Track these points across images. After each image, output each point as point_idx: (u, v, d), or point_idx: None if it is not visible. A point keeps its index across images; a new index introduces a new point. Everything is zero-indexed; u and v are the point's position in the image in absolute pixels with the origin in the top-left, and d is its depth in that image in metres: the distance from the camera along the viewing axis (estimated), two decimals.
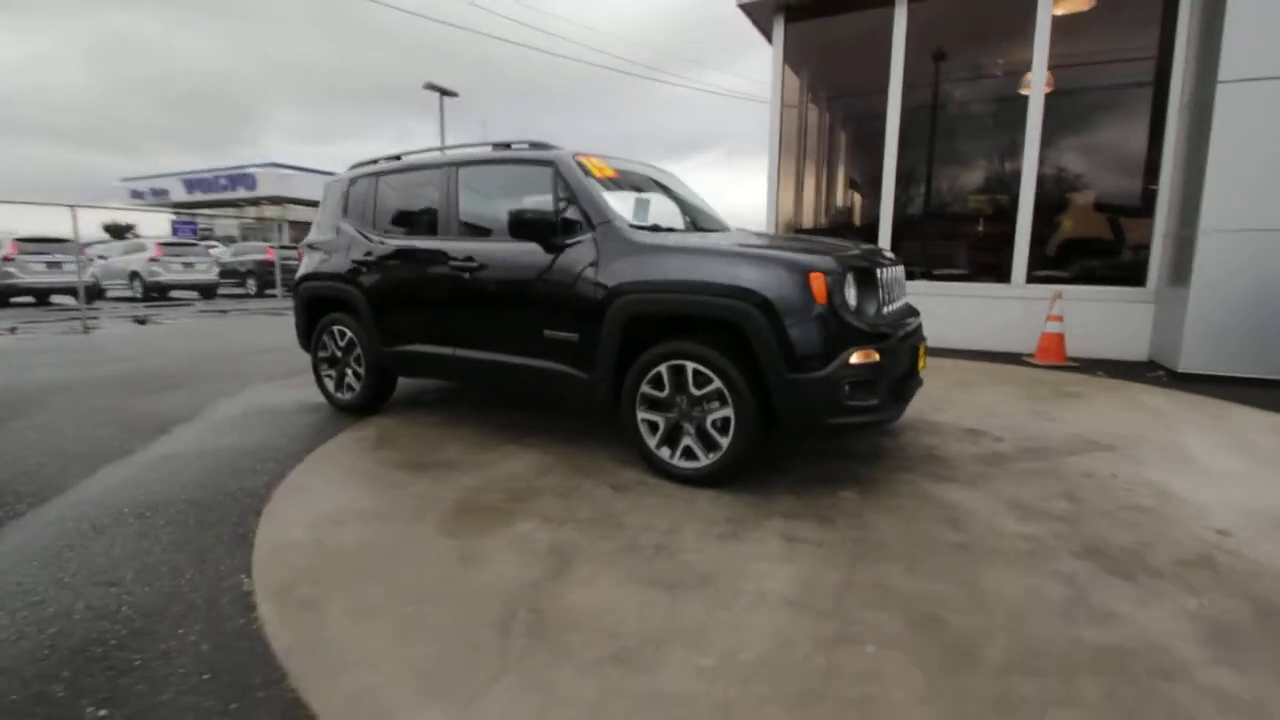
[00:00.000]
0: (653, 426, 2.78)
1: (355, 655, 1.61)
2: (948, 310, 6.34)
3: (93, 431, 3.58)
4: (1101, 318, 5.93)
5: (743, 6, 7.15)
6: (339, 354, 3.96)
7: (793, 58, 7.45)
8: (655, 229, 3.08)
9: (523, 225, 2.96)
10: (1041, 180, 6.15)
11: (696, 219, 3.76)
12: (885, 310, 2.82)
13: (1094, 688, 1.47)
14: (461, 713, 1.41)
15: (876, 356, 2.50)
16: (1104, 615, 1.76)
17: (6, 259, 11.46)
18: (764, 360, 2.48)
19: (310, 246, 4.14)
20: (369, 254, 3.74)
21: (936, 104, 6.99)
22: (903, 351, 2.77)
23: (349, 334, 3.86)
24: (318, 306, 4.07)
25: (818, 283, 2.44)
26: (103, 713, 1.42)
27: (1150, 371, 5.34)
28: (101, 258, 14.71)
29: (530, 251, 3.05)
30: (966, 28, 6.83)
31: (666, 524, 2.35)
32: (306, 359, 4.28)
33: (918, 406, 3.77)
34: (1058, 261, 6.40)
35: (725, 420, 2.59)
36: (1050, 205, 6.32)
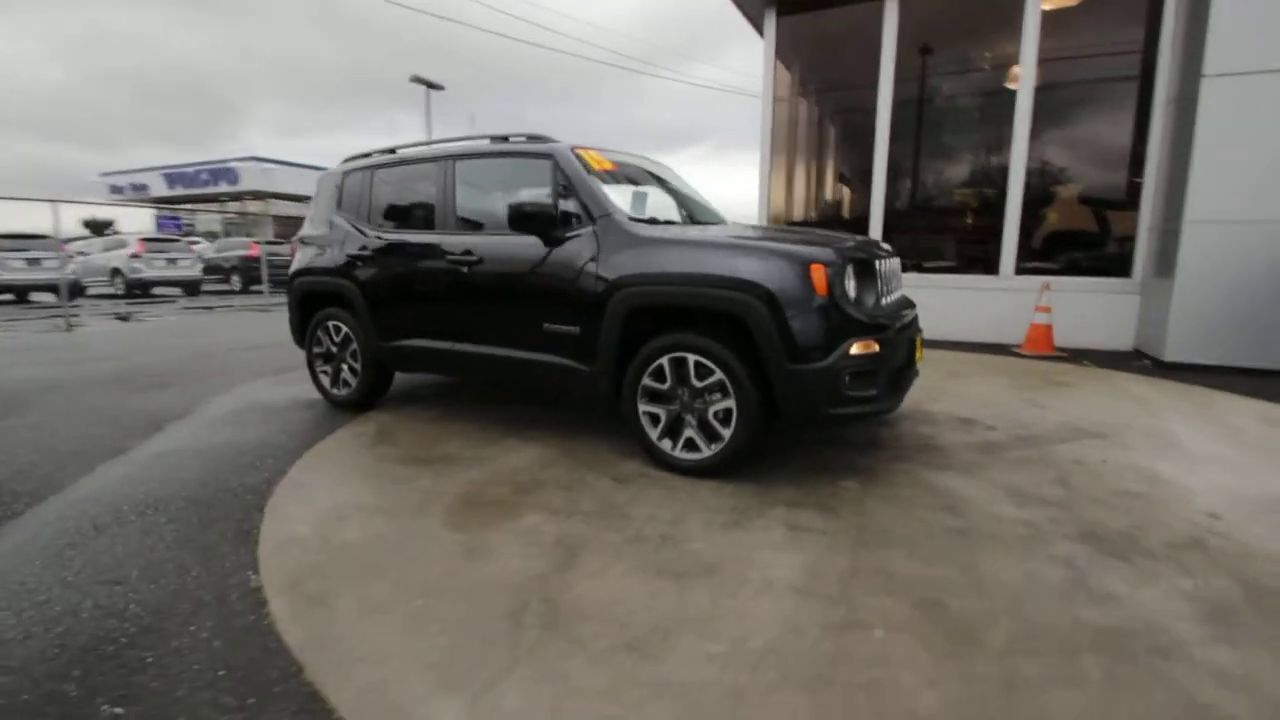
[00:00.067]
0: (654, 419, 2.80)
1: (367, 649, 1.61)
2: (940, 302, 6.40)
3: (86, 430, 3.53)
4: (1088, 308, 6.02)
5: None
6: (335, 349, 3.93)
7: (784, 51, 7.46)
8: (654, 222, 3.09)
9: (522, 218, 2.95)
10: (1029, 173, 6.23)
11: (693, 212, 3.77)
12: (884, 301, 2.86)
13: (1095, 667, 1.51)
14: (475, 703, 1.42)
15: (876, 347, 2.53)
16: (1102, 597, 1.81)
17: None
18: (765, 351, 2.50)
19: (303, 241, 4.10)
20: (364, 248, 3.71)
21: (925, 98, 7.04)
22: (901, 342, 2.80)
23: (345, 329, 3.83)
24: (312, 302, 4.03)
25: (819, 274, 2.46)
26: (118, 710, 1.41)
27: (1136, 361, 5.45)
28: (82, 254, 14.43)
29: (530, 244, 3.05)
30: (956, 22, 6.89)
31: (671, 514, 2.37)
32: (298, 355, 4.25)
33: (913, 397, 3.82)
34: (1045, 253, 6.50)
35: (727, 411, 2.61)
36: (1038, 198, 6.40)
